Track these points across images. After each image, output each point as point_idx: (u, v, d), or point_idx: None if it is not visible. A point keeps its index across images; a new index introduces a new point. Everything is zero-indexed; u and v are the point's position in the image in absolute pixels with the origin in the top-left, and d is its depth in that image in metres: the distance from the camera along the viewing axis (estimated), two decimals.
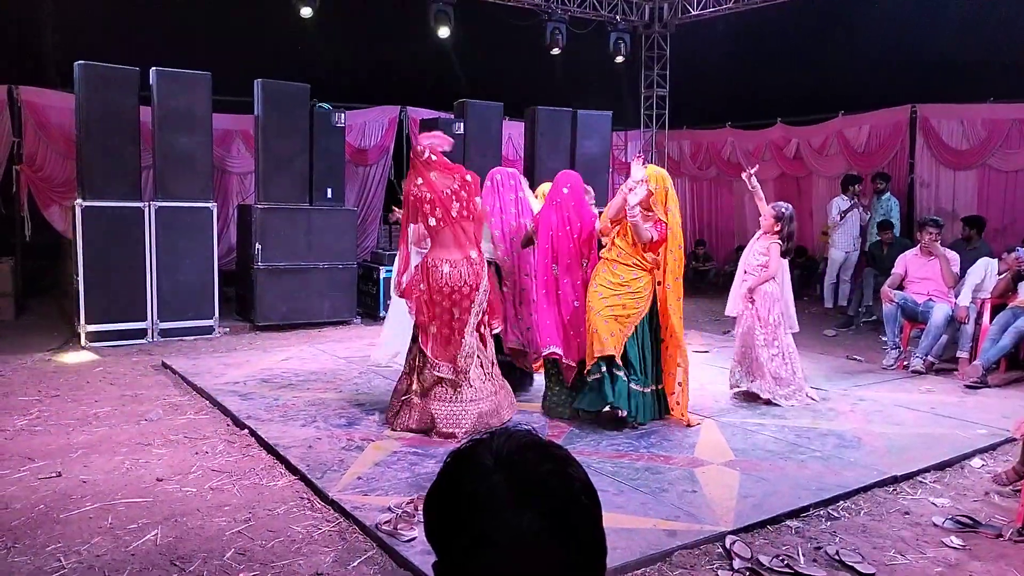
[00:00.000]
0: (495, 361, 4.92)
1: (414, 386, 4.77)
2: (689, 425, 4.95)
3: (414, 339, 4.80)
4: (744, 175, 5.92)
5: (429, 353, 4.67)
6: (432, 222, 4.67)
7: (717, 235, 13.49)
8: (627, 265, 4.90)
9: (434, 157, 4.73)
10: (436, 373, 4.66)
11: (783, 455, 4.46)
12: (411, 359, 4.84)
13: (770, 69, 11.47)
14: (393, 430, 4.73)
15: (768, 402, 5.51)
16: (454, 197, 4.69)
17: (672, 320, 5.00)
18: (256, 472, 4.13)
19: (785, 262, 5.85)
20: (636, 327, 4.88)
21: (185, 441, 4.61)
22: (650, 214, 4.89)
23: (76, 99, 7.38)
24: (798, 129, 11.80)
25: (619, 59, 11.91)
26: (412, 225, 4.73)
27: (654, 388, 5.02)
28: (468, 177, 4.79)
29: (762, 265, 5.65)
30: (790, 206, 5.79)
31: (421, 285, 4.68)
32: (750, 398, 5.63)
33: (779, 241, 5.64)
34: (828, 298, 9.98)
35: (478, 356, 4.75)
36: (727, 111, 12.62)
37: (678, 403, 5.07)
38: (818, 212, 11.56)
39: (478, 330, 4.77)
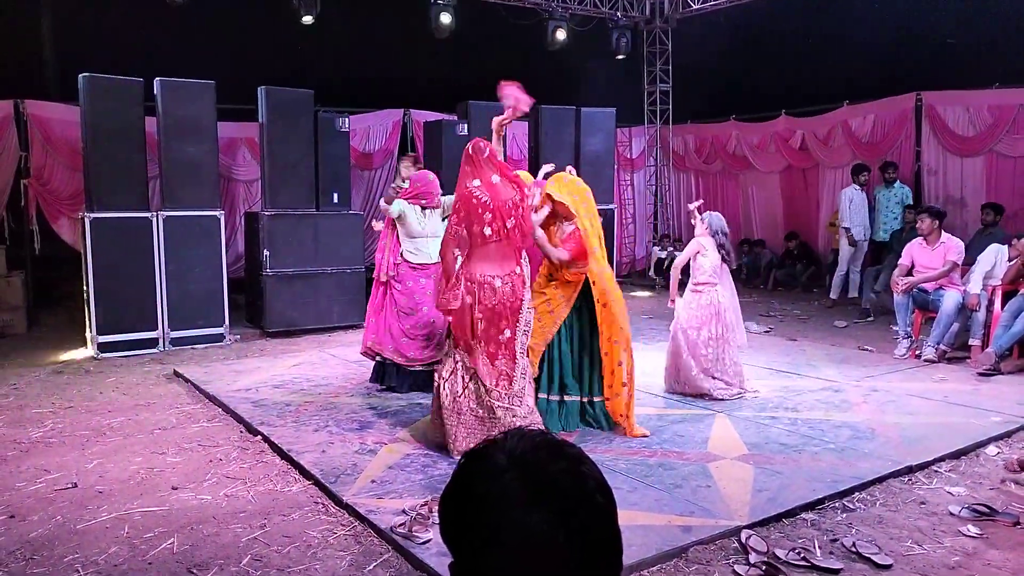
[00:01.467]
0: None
1: (452, 402, 4.25)
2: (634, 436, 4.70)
3: (450, 349, 4.41)
4: (690, 206, 5.91)
5: (486, 380, 4.18)
6: (488, 232, 4.16)
7: None
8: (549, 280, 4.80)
9: (497, 164, 4.22)
10: (491, 401, 4.16)
11: (797, 448, 4.45)
12: (443, 370, 4.33)
13: (773, 61, 11.45)
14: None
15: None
16: (511, 207, 4.20)
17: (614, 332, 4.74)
18: (270, 478, 4.15)
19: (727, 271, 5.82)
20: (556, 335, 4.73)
21: (199, 449, 4.63)
22: (568, 226, 4.72)
23: (81, 111, 7.41)
24: (803, 120, 11.75)
25: (621, 56, 11.90)
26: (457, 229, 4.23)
27: (586, 399, 4.86)
28: (527, 190, 4.35)
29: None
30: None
31: (467, 297, 4.18)
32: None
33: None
34: (835, 289, 9.91)
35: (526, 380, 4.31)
36: (731, 104, 12.59)
37: (623, 415, 4.78)
38: (825, 203, 11.52)
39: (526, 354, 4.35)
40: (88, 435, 4.92)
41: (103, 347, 7.35)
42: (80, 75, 7.36)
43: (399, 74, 10.97)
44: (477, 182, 4.21)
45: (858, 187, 9.66)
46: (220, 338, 7.93)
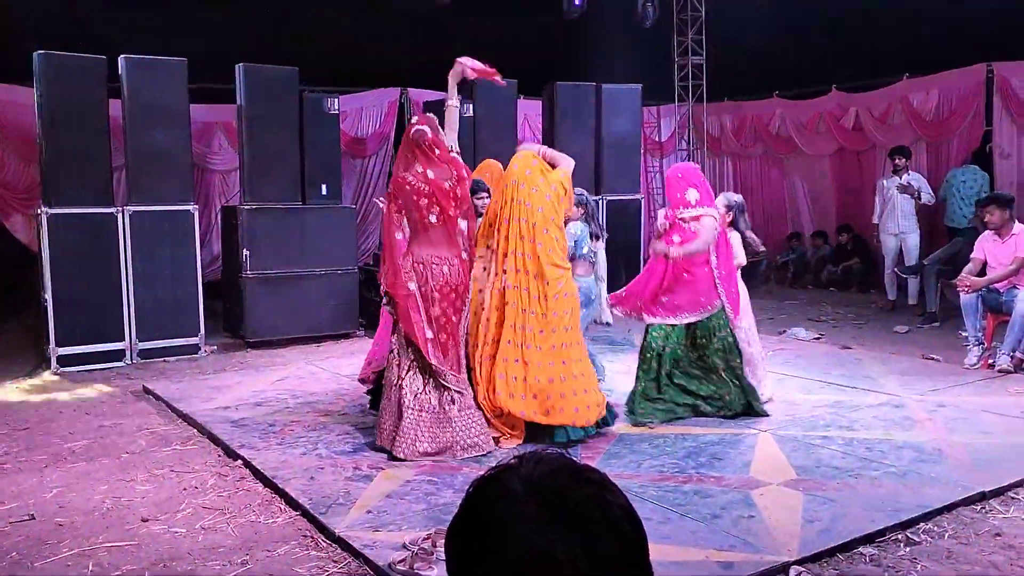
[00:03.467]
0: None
1: (413, 400, 4.76)
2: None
3: (400, 349, 4.85)
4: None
5: (434, 362, 4.73)
6: (433, 219, 4.75)
7: (767, 222, 13.39)
8: None
9: (437, 150, 4.78)
10: (444, 382, 4.75)
11: (853, 472, 4.43)
12: (399, 370, 4.82)
13: (822, 29, 11.38)
14: (401, 459, 4.69)
15: None
16: (451, 193, 4.79)
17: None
18: (252, 508, 4.16)
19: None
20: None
21: (172, 475, 4.65)
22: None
23: (36, 94, 7.46)
24: (857, 96, 11.71)
25: (648, 24, 11.87)
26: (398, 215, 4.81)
27: None
28: (464, 172, 4.91)
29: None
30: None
31: (410, 284, 4.74)
32: None
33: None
34: (890, 289, 9.88)
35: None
36: (774, 79, 12.54)
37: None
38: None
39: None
40: (47, 460, 4.95)
41: (63, 360, 7.40)
42: (35, 53, 7.41)
43: (395, 48, 10.99)
44: (421, 168, 4.74)
45: (893, 174, 9.62)
46: (195, 349, 7.97)
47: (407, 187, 4.75)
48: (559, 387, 4.85)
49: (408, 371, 4.78)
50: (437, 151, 4.79)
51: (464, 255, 4.87)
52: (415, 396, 4.75)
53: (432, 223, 4.76)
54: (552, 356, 4.90)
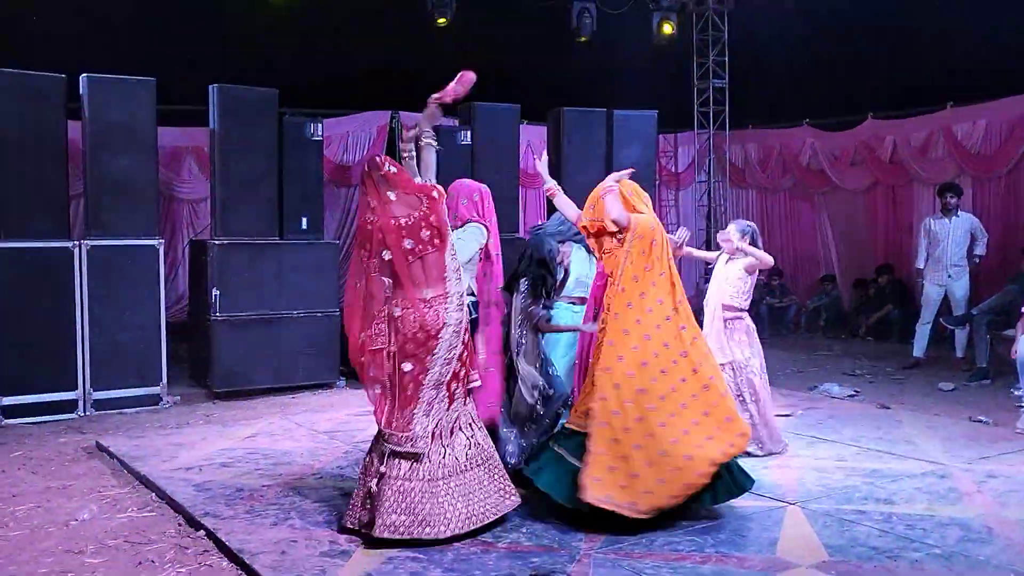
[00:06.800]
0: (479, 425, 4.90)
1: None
2: None
3: None
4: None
5: (383, 424, 4.65)
6: (387, 256, 4.61)
7: (796, 262, 13.44)
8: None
9: (393, 170, 4.68)
10: (389, 446, 4.61)
11: (891, 553, 4.38)
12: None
13: (857, 51, 11.50)
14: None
15: None
16: (421, 225, 4.64)
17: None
18: None
19: None
20: None
21: (126, 547, 4.59)
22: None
23: None
24: (894, 125, 11.79)
25: (664, 45, 12.01)
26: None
27: None
28: (435, 194, 4.75)
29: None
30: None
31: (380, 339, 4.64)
32: None
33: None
34: (918, 344, 9.66)
35: (448, 420, 4.71)
36: (804, 105, 12.65)
37: None
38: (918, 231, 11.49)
39: (448, 387, 4.70)
40: None
41: (7, 411, 7.37)
42: None
43: (385, 68, 11.09)
44: (373, 203, 4.63)
45: (942, 215, 9.52)
46: (156, 400, 7.94)
47: (367, 226, 4.73)
48: None
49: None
50: (394, 172, 4.69)
51: (428, 295, 4.69)
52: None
53: (388, 260, 4.71)
54: None
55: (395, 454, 4.58)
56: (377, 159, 4.73)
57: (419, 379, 4.62)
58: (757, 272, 6.32)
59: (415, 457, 4.58)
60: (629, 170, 5.33)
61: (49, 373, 7.53)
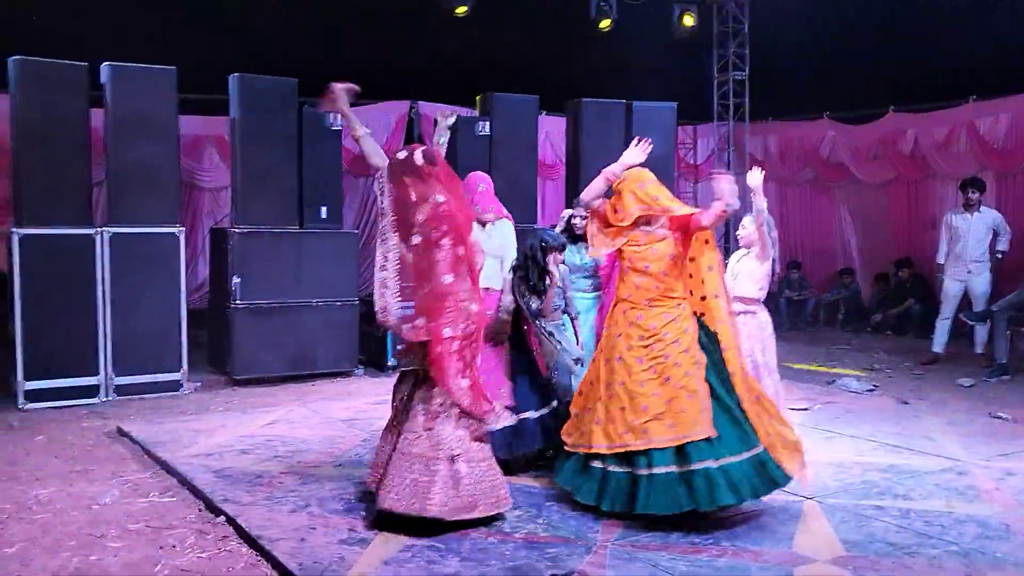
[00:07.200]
0: None
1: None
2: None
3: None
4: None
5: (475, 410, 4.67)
6: (461, 251, 4.63)
7: (814, 256, 13.39)
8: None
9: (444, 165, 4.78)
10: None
11: (909, 549, 4.37)
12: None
13: (878, 44, 11.40)
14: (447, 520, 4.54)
15: None
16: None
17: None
18: (235, 572, 4.14)
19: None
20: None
21: (147, 532, 4.64)
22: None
23: (11, 102, 7.56)
24: (916, 119, 11.71)
25: (684, 36, 11.95)
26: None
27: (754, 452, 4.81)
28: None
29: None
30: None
31: (446, 330, 4.54)
32: None
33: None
34: (938, 340, 9.58)
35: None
36: (824, 98, 12.58)
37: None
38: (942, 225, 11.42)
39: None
40: (9, 511, 4.95)
41: (31, 395, 7.44)
42: (10, 58, 7.53)
43: (404, 58, 11.09)
44: (441, 198, 4.62)
45: (964, 210, 9.44)
46: (176, 386, 8.00)
47: (432, 216, 4.71)
48: None
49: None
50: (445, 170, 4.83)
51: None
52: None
53: (462, 255, 4.79)
54: None
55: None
56: (433, 151, 4.82)
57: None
58: (771, 262, 6.21)
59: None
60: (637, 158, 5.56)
61: (71, 358, 7.59)
